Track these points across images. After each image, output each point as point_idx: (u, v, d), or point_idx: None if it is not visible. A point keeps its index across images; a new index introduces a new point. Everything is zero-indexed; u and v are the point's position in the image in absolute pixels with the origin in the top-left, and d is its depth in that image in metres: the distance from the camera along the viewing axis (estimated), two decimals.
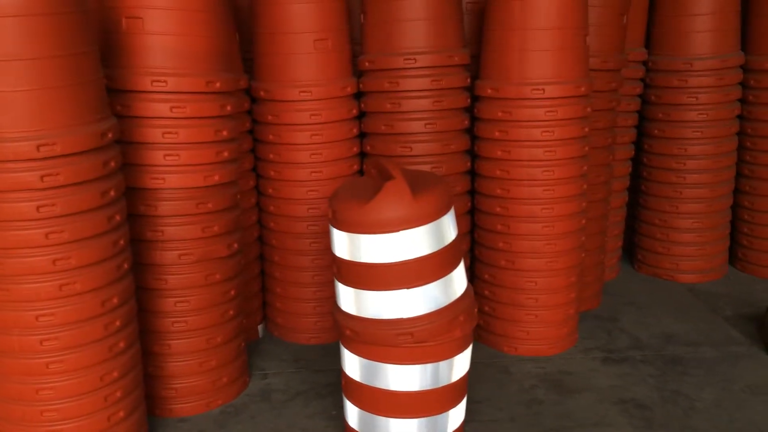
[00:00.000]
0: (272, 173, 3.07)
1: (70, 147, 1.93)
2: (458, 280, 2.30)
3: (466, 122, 3.08)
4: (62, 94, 1.92)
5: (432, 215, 2.16)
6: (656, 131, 3.78)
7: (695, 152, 3.72)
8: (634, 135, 3.78)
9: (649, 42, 3.76)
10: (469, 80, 3.05)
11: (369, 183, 2.36)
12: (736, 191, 3.94)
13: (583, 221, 3.06)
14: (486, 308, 3.14)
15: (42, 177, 1.91)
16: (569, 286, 3.07)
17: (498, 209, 2.98)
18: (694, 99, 3.65)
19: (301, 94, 2.94)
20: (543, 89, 2.82)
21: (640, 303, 3.63)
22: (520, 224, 2.95)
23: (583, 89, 2.88)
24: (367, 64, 3.00)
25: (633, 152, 3.79)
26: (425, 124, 2.97)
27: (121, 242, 2.16)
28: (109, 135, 2.06)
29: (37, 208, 1.92)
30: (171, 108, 2.39)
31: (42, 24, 1.85)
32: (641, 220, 3.99)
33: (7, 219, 1.94)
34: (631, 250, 4.13)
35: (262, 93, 3.00)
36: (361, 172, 3.18)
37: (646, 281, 3.92)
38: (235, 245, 2.65)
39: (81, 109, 1.97)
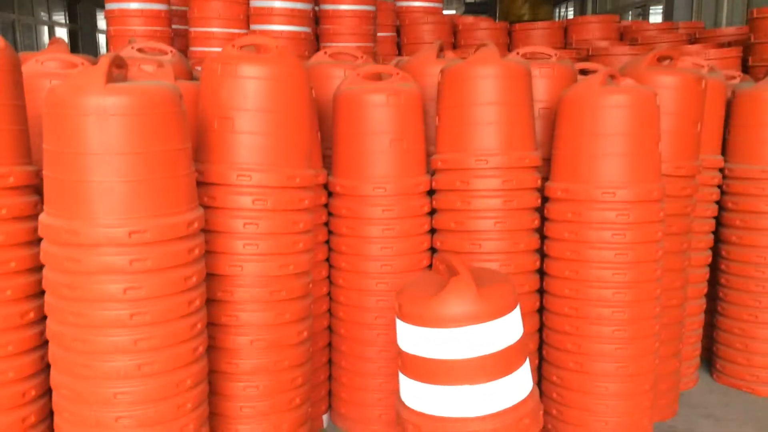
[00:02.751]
0: (344, 264, 3.16)
1: (160, 235, 2.08)
2: (523, 381, 2.29)
3: (536, 222, 3.12)
4: (156, 186, 2.09)
5: (497, 312, 2.19)
6: (734, 238, 3.70)
7: None
8: (711, 241, 3.71)
9: (725, 149, 3.74)
10: (539, 181, 3.11)
11: (436, 278, 2.42)
12: None
13: (657, 327, 3.00)
14: (554, 411, 3.07)
15: (131, 261, 2.05)
16: (642, 394, 2.97)
17: (567, 309, 2.96)
18: None
19: (376, 190, 3.05)
20: (614, 192, 2.85)
21: (718, 415, 3.47)
22: (590, 326, 2.92)
23: (654, 194, 2.89)
24: (439, 163, 3.11)
25: (710, 258, 3.71)
26: (495, 223, 3.02)
27: (199, 326, 2.26)
28: (196, 225, 2.21)
29: (124, 290, 2.06)
30: (253, 200, 2.54)
31: (141, 122, 2.04)
32: (720, 328, 3.85)
33: (95, 299, 2.08)
34: (710, 359, 3.98)
35: (338, 188, 3.14)
36: (430, 268, 3.23)
37: (725, 392, 3.75)
38: (305, 333, 2.72)
39: (172, 200, 2.13)
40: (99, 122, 1.99)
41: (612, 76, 3.01)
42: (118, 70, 2.22)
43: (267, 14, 5.35)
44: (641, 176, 2.88)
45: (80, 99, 2.00)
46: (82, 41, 20.28)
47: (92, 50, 20.33)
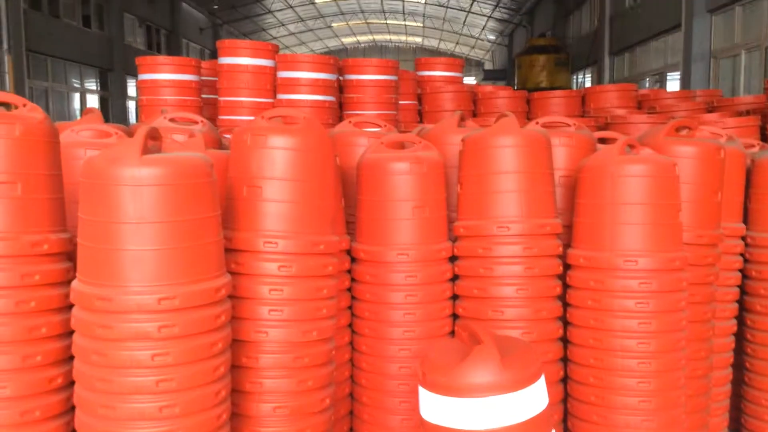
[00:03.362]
0: (366, 330, 3.17)
1: (188, 302, 2.12)
2: None
3: (559, 289, 3.13)
4: (186, 253, 2.14)
5: (521, 382, 2.18)
6: (759, 307, 3.66)
7: None
8: (736, 310, 3.67)
9: (746, 217, 3.75)
10: (561, 248, 3.13)
11: (459, 346, 2.42)
12: None
13: (683, 397, 2.96)
14: None
15: (159, 328, 2.09)
16: None
17: (591, 380, 2.94)
18: None
19: (399, 256, 3.09)
20: (636, 261, 2.86)
21: None
22: (615, 397, 2.89)
23: (677, 262, 2.90)
24: (461, 230, 3.15)
25: (735, 327, 3.66)
26: (516, 290, 3.03)
27: (223, 393, 2.28)
28: (223, 291, 2.25)
29: (152, 357, 2.10)
30: (279, 267, 2.58)
31: (175, 192, 2.12)
32: (747, 399, 3.77)
33: (123, 366, 2.11)
34: (739, 431, 3.88)
35: (361, 254, 3.18)
36: (452, 334, 3.23)
37: None
38: (328, 401, 2.72)
39: (201, 266, 2.19)
40: (133, 192, 2.07)
41: (631, 146, 3.06)
42: (153, 141, 2.31)
43: (293, 84, 5.53)
44: (663, 245, 2.90)
45: (117, 170, 2.08)
46: (112, 108, 20.88)
47: (122, 117, 20.92)
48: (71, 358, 2.29)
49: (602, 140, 3.68)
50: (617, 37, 18.43)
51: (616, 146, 3.00)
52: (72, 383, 2.29)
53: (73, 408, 2.30)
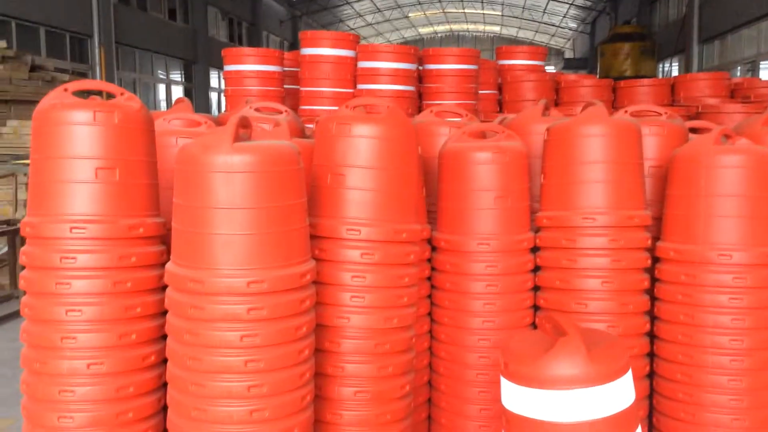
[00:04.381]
0: (446, 320, 3.17)
1: (276, 286, 2.18)
2: None
3: (646, 283, 3.04)
4: (274, 238, 2.20)
5: (608, 376, 2.13)
6: None
7: None
8: None
9: None
10: (649, 241, 3.04)
11: (542, 337, 2.39)
12: None
13: None
14: None
15: (248, 310, 2.16)
16: None
17: (679, 376, 2.85)
18: None
19: (479, 245, 3.07)
20: (730, 255, 2.75)
21: None
22: (704, 394, 2.80)
23: None
24: (545, 220, 3.10)
25: None
26: (602, 282, 2.97)
27: (308, 375, 2.33)
28: (308, 276, 2.30)
29: (241, 338, 2.16)
30: (361, 254, 2.61)
31: (264, 179, 2.17)
32: None
33: (213, 345, 2.18)
34: None
35: (442, 243, 3.17)
36: (533, 326, 3.19)
37: None
38: (407, 387, 2.74)
39: (288, 252, 2.24)
40: (226, 179, 2.13)
41: (727, 135, 2.94)
42: (243, 129, 2.37)
43: (373, 74, 5.55)
44: (759, 239, 2.78)
45: (210, 157, 2.15)
46: (195, 99, 21.54)
47: (205, 107, 21.56)
48: (164, 337, 2.39)
49: (694, 130, 3.55)
50: (706, 24, 17.66)
51: (711, 136, 2.89)
52: (165, 361, 2.39)
53: (165, 385, 2.40)
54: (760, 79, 9.12)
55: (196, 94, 22.08)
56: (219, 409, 2.19)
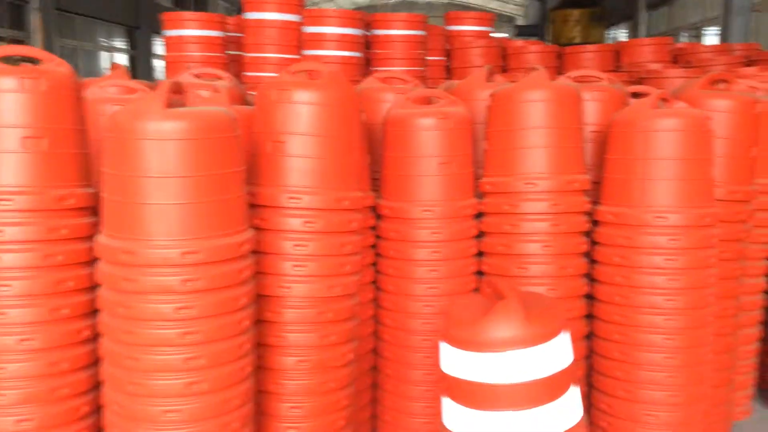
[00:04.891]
0: (390, 287, 3.17)
1: (212, 256, 2.14)
2: (571, 408, 2.25)
3: (585, 246, 3.09)
4: (210, 208, 2.15)
5: (544, 337, 2.17)
6: None
7: None
8: (766, 267, 3.60)
9: None
10: (589, 205, 3.08)
11: (483, 301, 2.41)
12: None
13: (709, 355, 2.92)
14: None
15: (184, 281, 2.11)
16: (693, 424, 2.90)
17: (616, 336, 2.92)
18: None
19: (423, 212, 3.07)
20: (666, 217, 2.81)
21: None
22: (640, 353, 2.87)
23: (708, 219, 2.83)
24: (488, 186, 3.11)
25: (765, 285, 3.60)
26: (542, 246, 3.00)
27: (248, 346, 2.31)
28: (247, 246, 2.26)
29: (176, 309, 2.12)
30: (303, 222, 2.58)
31: (198, 146, 2.11)
32: None
33: (147, 318, 2.14)
34: (765, 389, 3.84)
35: (386, 210, 3.16)
36: (477, 291, 3.22)
37: None
38: (351, 355, 2.74)
39: (225, 221, 2.19)
40: (157, 146, 2.07)
41: (664, 99, 2.98)
42: (176, 95, 2.30)
43: (319, 40, 5.46)
44: (694, 201, 2.84)
45: (139, 124, 2.08)
46: (140, 67, 20.94)
47: (148, 75, 20.98)
48: (97, 311, 2.33)
49: (635, 95, 3.59)
50: None
51: (648, 100, 2.92)
52: (98, 336, 2.33)
53: (99, 360, 2.35)
54: (703, 45, 9.29)
55: (140, 61, 21.45)
56: (156, 383, 2.16)
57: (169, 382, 2.15)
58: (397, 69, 5.55)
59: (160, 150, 2.07)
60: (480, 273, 3.22)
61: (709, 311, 2.90)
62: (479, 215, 3.19)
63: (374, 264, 3.27)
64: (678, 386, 2.84)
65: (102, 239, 2.21)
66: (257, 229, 2.51)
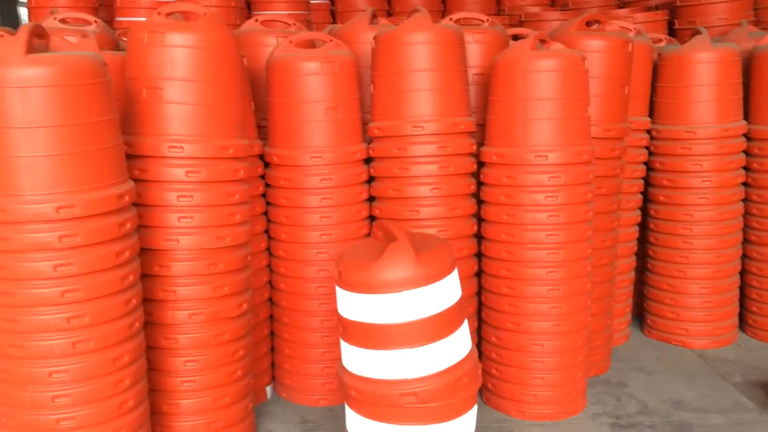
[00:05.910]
0: (283, 235, 3.15)
1: (88, 209, 2.03)
2: (462, 342, 2.34)
3: (473, 187, 3.16)
4: (82, 159, 2.03)
5: (435, 276, 2.22)
6: (662, 197, 3.84)
7: (701, 218, 3.76)
8: (641, 201, 3.84)
9: (652, 111, 3.86)
10: (474, 146, 3.14)
11: (375, 245, 2.44)
12: (744, 257, 3.96)
13: (589, 285, 3.10)
14: (494, 371, 3.15)
15: (60, 238, 2.00)
16: (576, 350, 3.08)
17: (503, 272, 3.03)
18: (699, 166, 3.72)
19: (312, 159, 3.04)
20: (546, 155, 2.91)
21: (649, 368, 3.62)
22: (526, 287, 3.00)
23: (585, 156, 2.96)
24: (376, 131, 3.11)
25: (640, 218, 3.84)
26: (431, 189, 3.05)
27: (134, 301, 2.23)
28: (126, 198, 2.16)
29: (55, 267, 2.01)
30: (186, 172, 2.49)
31: (64, 94, 1.98)
32: (650, 285, 4.01)
33: (25, 278, 2.03)
34: (641, 315, 4.14)
35: (275, 158, 3.11)
36: (369, 235, 3.25)
37: (656, 346, 3.91)
38: (245, 306, 2.71)
39: (100, 173, 2.08)
40: (20, 95, 1.92)
41: (542, 41, 3.05)
42: (39, 40, 2.13)
43: None
44: (572, 139, 2.95)
45: (0, 71, 1.92)
46: (1, 14, 19.31)
47: (13, 23, 19.40)
48: None
49: (516, 37, 3.66)
50: None
51: (527, 42, 2.99)
52: None
53: None
54: None
55: (2, 8, 19.81)
56: (38, 344, 2.06)
57: (52, 342, 2.05)
58: (279, 12, 5.39)
59: (23, 98, 1.93)
60: (372, 218, 3.25)
61: (588, 244, 3.06)
62: (369, 160, 3.20)
63: (265, 213, 3.22)
64: (561, 316, 3.00)
65: None
66: (138, 181, 2.41)
